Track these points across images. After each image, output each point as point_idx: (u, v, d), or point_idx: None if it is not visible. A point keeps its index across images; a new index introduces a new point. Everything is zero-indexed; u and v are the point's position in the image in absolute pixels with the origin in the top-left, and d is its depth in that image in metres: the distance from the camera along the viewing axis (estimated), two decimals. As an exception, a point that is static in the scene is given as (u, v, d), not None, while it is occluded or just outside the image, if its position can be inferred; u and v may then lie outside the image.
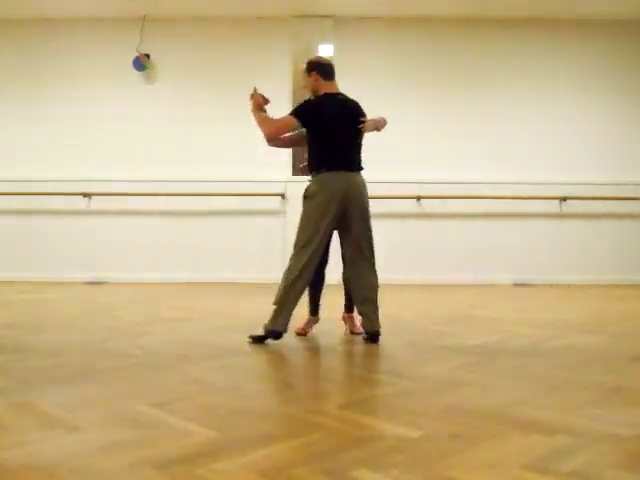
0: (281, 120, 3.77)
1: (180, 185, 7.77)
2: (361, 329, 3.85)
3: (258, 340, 3.65)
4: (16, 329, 4.14)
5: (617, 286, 7.55)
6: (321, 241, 3.69)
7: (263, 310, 5.40)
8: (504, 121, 8.12)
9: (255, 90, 3.94)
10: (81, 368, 2.99)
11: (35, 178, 7.82)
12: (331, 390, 2.70)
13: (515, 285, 7.84)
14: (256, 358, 3.29)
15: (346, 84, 8.26)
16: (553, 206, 8.02)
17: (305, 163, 4.00)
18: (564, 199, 7.96)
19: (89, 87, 8.00)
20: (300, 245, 3.68)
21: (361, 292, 3.75)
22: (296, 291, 3.66)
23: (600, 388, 2.68)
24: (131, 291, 6.79)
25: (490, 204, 7.92)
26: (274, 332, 3.64)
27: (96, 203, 7.90)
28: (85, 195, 7.84)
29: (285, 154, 7.89)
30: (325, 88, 3.84)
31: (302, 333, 3.95)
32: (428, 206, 7.77)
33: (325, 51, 8.39)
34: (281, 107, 8.14)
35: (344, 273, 3.92)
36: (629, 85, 8.15)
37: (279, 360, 3.28)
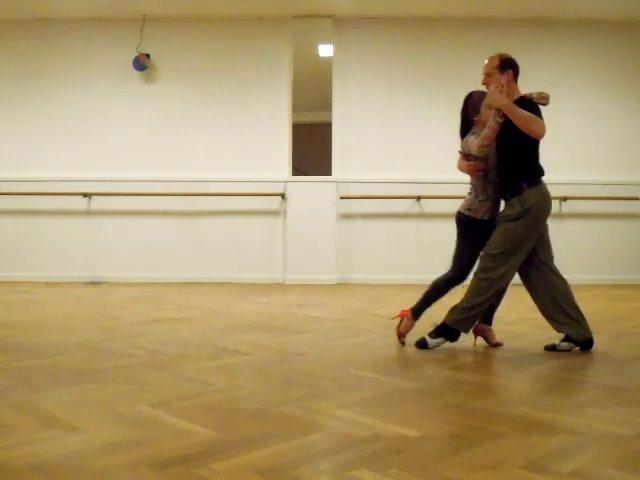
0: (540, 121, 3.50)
1: (180, 185, 7.75)
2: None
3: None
4: (16, 329, 4.13)
5: (617, 286, 7.54)
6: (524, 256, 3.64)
7: (262, 310, 5.42)
8: (504, 121, 8.11)
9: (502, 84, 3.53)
10: (81, 368, 2.99)
11: (35, 178, 7.80)
12: (331, 390, 2.70)
13: (514, 285, 7.82)
14: (256, 358, 3.29)
15: (346, 84, 8.32)
16: (553, 206, 7.99)
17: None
18: (564, 199, 7.95)
19: (89, 87, 7.98)
20: (505, 254, 3.67)
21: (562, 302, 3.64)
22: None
23: (600, 388, 2.68)
24: (131, 291, 6.79)
25: (490, 204, 7.90)
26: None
27: (96, 203, 7.90)
28: (85, 195, 7.84)
29: (285, 154, 7.88)
30: (517, 92, 3.58)
31: (499, 343, 3.76)
32: (428, 206, 7.75)
33: (325, 51, 8.38)
34: (281, 108, 8.20)
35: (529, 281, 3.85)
36: (629, 85, 8.14)
37: (279, 360, 3.28)
